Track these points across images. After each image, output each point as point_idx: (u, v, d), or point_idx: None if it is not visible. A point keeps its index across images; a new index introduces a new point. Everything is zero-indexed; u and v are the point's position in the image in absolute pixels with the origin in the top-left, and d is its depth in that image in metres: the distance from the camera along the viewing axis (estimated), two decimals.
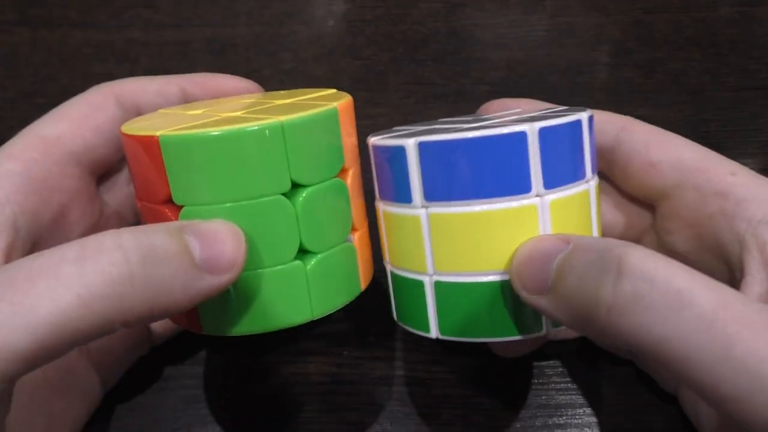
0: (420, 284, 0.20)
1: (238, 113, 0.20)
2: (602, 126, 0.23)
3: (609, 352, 0.26)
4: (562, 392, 0.27)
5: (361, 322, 0.29)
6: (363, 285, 0.22)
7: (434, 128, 0.21)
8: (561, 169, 0.19)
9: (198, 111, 0.22)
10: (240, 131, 0.18)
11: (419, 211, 0.19)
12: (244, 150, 0.18)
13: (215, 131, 0.18)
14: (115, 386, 0.26)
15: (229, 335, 0.20)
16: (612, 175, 0.24)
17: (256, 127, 0.18)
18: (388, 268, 0.22)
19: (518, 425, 0.26)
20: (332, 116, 0.20)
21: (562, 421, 0.26)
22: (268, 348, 0.28)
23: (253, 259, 0.19)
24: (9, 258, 0.20)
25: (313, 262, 0.20)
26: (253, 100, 0.23)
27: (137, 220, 0.26)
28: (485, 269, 0.19)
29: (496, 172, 0.18)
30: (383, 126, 0.25)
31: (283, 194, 0.19)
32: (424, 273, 0.20)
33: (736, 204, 0.20)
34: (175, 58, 0.36)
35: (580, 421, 0.26)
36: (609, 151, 0.23)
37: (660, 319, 0.15)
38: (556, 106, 0.24)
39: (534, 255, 0.18)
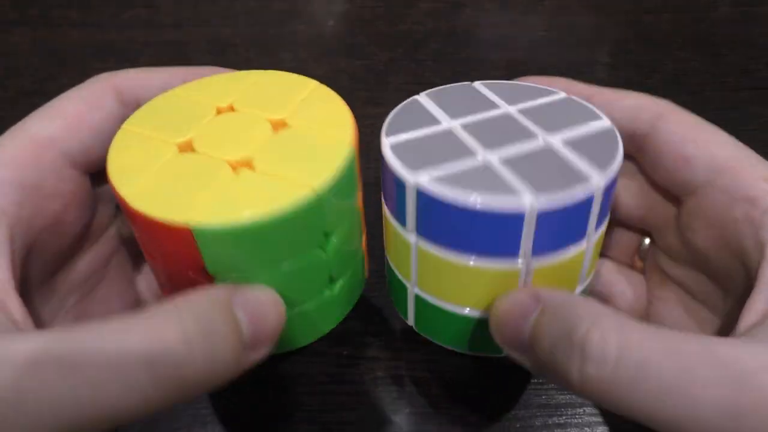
0: (404, 286, 0.22)
1: (240, 136, 0.20)
2: (638, 112, 0.22)
3: None
4: (561, 392, 0.27)
5: (361, 322, 0.29)
6: (367, 274, 0.24)
7: (446, 138, 0.20)
8: (555, 241, 0.19)
9: (185, 130, 0.20)
10: (280, 219, 0.17)
11: (411, 237, 0.20)
12: (284, 229, 0.17)
13: (250, 222, 0.17)
14: None
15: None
16: (642, 161, 0.24)
17: (293, 210, 0.17)
18: (386, 256, 0.23)
19: (518, 425, 0.26)
20: (352, 158, 0.19)
21: (562, 421, 0.26)
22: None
23: (290, 301, 0.19)
24: (4, 270, 0.19)
25: (339, 284, 0.21)
26: (238, 87, 0.22)
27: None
28: (462, 304, 0.20)
29: (487, 238, 0.18)
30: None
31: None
32: (409, 281, 0.21)
33: (764, 213, 0.20)
34: (175, 58, 0.36)
35: (580, 420, 0.26)
36: (642, 137, 0.23)
37: (626, 393, 0.16)
38: (594, 88, 0.23)
39: (509, 316, 0.19)
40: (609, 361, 0.16)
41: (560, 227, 0.18)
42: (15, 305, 0.18)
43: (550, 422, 0.26)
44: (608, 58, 0.35)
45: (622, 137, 0.22)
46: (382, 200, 0.22)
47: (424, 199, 0.18)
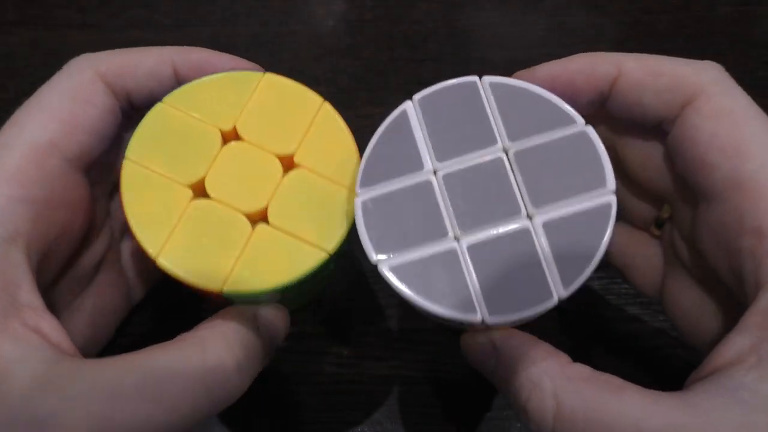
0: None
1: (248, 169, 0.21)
2: (671, 96, 0.19)
3: (608, 351, 0.26)
4: None
5: (361, 322, 0.29)
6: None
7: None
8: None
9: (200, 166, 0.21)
10: (298, 279, 0.20)
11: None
12: (299, 282, 0.20)
13: (273, 286, 0.19)
14: None
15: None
16: (667, 141, 0.21)
17: (310, 270, 0.20)
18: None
19: (518, 425, 0.26)
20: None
21: None
22: None
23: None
24: (18, 283, 0.18)
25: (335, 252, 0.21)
26: (239, 101, 0.22)
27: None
28: None
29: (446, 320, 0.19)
30: None
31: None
32: None
33: (767, 253, 0.17)
34: None
35: None
36: (670, 123, 0.20)
37: None
38: (623, 60, 0.20)
39: (476, 354, 0.21)
40: (547, 426, 0.17)
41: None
42: (55, 328, 0.18)
43: None
44: None
45: (650, 126, 0.20)
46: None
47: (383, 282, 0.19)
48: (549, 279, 0.18)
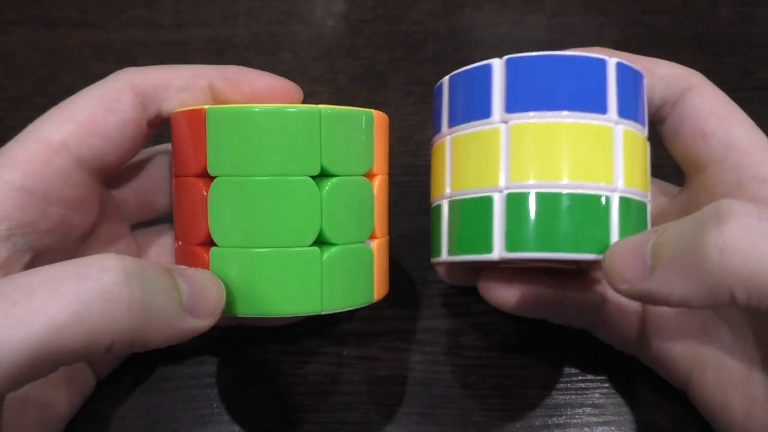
0: (488, 202, 0.20)
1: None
2: (673, 81, 0.23)
3: (609, 351, 0.26)
4: (561, 391, 0.27)
5: (361, 322, 0.29)
6: (377, 296, 0.22)
7: None
8: (632, 106, 0.21)
9: None
10: (280, 110, 0.20)
11: (498, 124, 0.21)
12: (282, 128, 0.20)
13: (258, 107, 0.20)
14: (114, 386, 0.26)
15: (235, 314, 0.20)
16: (662, 132, 0.24)
17: (294, 109, 0.20)
18: (445, 201, 0.22)
19: (518, 425, 0.26)
20: (368, 119, 0.21)
21: (561, 421, 0.26)
22: (268, 348, 0.28)
23: (273, 236, 0.20)
24: (8, 271, 0.20)
25: (329, 252, 0.20)
26: None
27: (138, 217, 0.26)
28: (560, 178, 0.20)
29: (577, 88, 0.20)
30: None
31: (312, 178, 0.20)
32: (495, 187, 0.20)
33: None
34: (175, 58, 0.36)
35: (579, 421, 0.26)
36: (671, 106, 0.23)
37: None
38: (630, 55, 0.23)
39: (627, 248, 0.19)
40: (752, 213, 0.16)
41: (634, 90, 0.21)
42: None
43: (549, 422, 0.26)
44: None
45: (655, 107, 0.23)
46: (434, 143, 0.23)
47: (514, 64, 0.21)
48: None
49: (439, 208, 0.22)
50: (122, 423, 0.26)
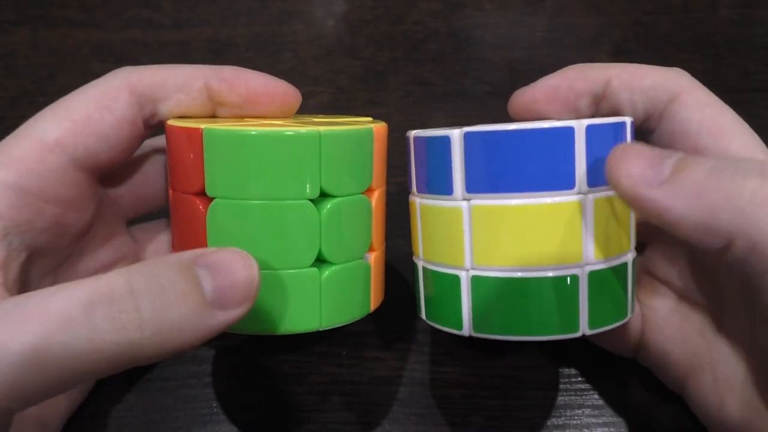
0: (456, 279, 0.20)
1: (279, 122, 0.21)
2: (656, 93, 0.22)
3: (608, 352, 0.26)
4: (561, 392, 0.27)
5: (361, 322, 0.29)
6: (372, 306, 0.23)
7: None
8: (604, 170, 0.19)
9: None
10: (279, 134, 0.19)
11: (460, 202, 0.20)
12: (281, 152, 0.19)
13: (255, 131, 0.19)
14: (113, 385, 0.26)
15: (234, 332, 0.20)
16: (650, 140, 0.23)
17: (293, 132, 0.19)
18: (420, 264, 0.22)
19: (517, 426, 0.26)
20: (367, 135, 0.21)
21: (560, 422, 0.26)
22: (268, 348, 0.28)
23: (272, 259, 0.20)
24: (5, 271, 0.20)
25: (328, 271, 0.20)
26: (291, 118, 0.23)
27: (134, 212, 0.26)
28: (526, 264, 0.19)
29: (542, 166, 0.19)
30: None
31: (311, 201, 0.20)
32: (461, 267, 0.20)
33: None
34: (175, 58, 0.36)
35: (579, 421, 0.26)
36: (657, 118, 0.22)
37: None
38: (610, 69, 0.22)
39: (643, 150, 0.18)
40: None
41: (607, 150, 0.19)
42: None
43: (548, 423, 0.26)
44: (608, 58, 0.35)
45: (640, 121, 0.22)
46: (411, 201, 0.22)
47: (472, 141, 0.19)
48: None
49: (416, 266, 0.23)
50: (121, 422, 0.26)
